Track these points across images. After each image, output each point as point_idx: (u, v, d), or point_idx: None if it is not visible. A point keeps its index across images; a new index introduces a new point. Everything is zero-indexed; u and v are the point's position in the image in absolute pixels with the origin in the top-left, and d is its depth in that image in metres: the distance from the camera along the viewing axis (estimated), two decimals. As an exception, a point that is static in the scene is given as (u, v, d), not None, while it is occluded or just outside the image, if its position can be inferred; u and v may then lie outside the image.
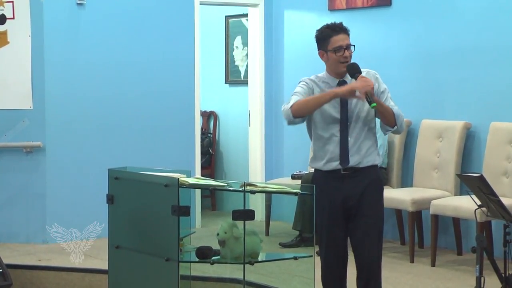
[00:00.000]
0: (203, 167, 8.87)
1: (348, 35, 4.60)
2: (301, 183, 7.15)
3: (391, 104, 4.62)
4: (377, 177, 4.69)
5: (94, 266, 6.42)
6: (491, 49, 6.95)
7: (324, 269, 4.74)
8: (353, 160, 4.61)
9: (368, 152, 4.63)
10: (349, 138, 4.61)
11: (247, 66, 9.07)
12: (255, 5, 8.69)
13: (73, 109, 7.64)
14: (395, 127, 4.61)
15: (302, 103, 4.55)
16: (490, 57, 6.96)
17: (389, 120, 4.60)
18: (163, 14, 8.07)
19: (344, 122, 4.60)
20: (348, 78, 4.62)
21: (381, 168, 7.31)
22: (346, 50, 4.56)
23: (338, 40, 4.56)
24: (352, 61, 4.61)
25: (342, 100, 4.60)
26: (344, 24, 4.66)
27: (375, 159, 4.66)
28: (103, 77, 7.77)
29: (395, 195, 6.94)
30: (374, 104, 4.46)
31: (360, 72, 4.55)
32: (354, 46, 4.60)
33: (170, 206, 4.32)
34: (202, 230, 8.02)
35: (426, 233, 7.07)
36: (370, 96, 4.45)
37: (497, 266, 4.79)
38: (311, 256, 4.64)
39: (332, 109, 4.60)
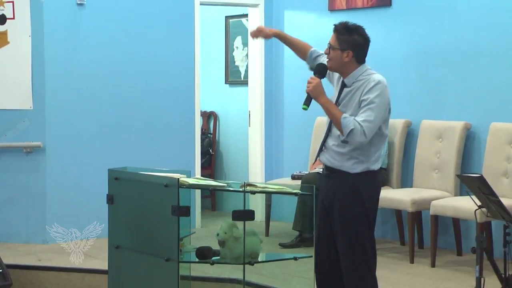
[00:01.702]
0: (203, 167, 8.87)
1: (336, 35, 4.59)
2: (301, 183, 7.14)
3: (362, 115, 4.49)
4: (352, 185, 4.54)
5: (94, 266, 6.42)
6: (491, 49, 6.95)
7: (315, 269, 4.69)
8: (325, 158, 4.63)
9: (346, 157, 4.56)
10: (329, 137, 4.64)
11: (247, 66, 9.07)
12: (255, 5, 8.69)
13: (73, 109, 7.64)
14: (343, 137, 4.53)
15: None
16: (490, 57, 6.96)
17: (338, 128, 4.55)
18: (163, 14, 8.07)
19: (330, 121, 4.65)
20: (350, 78, 4.61)
21: (381, 168, 7.31)
22: (328, 48, 4.62)
23: None
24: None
25: (336, 100, 4.64)
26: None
27: (353, 167, 4.55)
28: (103, 77, 7.77)
29: (395, 196, 6.95)
30: (305, 107, 4.57)
31: (317, 74, 4.62)
32: (330, 46, 4.60)
33: (170, 206, 4.32)
34: (202, 230, 8.02)
35: (426, 234, 7.07)
36: (309, 98, 4.58)
37: (497, 267, 4.79)
38: (311, 256, 4.64)
39: None
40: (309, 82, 4.59)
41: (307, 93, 4.57)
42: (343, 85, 4.62)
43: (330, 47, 4.59)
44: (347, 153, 4.55)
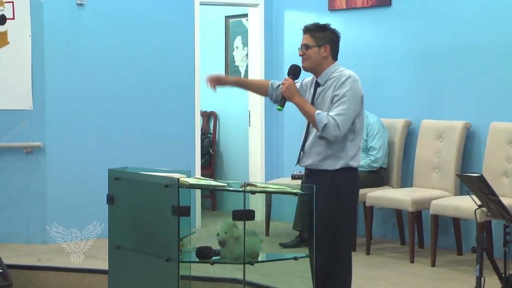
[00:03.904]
0: (203, 167, 8.87)
1: (310, 34, 4.72)
2: (301, 183, 7.14)
3: (335, 109, 4.59)
4: (331, 182, 4.61)
5: (94, 266, 6.42)
6: (491, 49, 6.95)
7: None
8: (304, 161, 4.77)
9: (323, 156, 4.66)
10: (308, 139, 4.75)
11: (247, 66, 9.07)
12: (255, 5, 8.69)
13: (73, 109, 7.64)
14: (318, 133, 4.63)
15: None
16: (490, 57, 6.96)
17: (313, 124, 4.67)
18: (163, 14, 8.07)
19: (308, 124, 4.76)
20: (323, 76, 4.72)
21: (381, 168, 7.32)
22: (303, 49, 4.74)
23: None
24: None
25: (311, 101, 4.75)
26: (325, 24, 4.80)
27: (332, 164, 4.64)
28: (103, 77, 7.77)
29: (395, 195, 6.95)
30: (279, 107, 4.76)
31: (291, 75, 4.77)
32: (305, 46, 4.71)
33: (170, 206, 4.32)
34: (202, 230, 8.02)
35: (426, 233, 7.07)
36: (283, 98, 4.73)
37: (497, 266, 4.79)
38: (311, 256, 4.64)
39: None
40: (283, 84, 4.75)
41: (281, 94, 4.74)
42: (317, 85, 4.75)
43: (306, 46, 4.72)
44: (323, 151, 4.67)
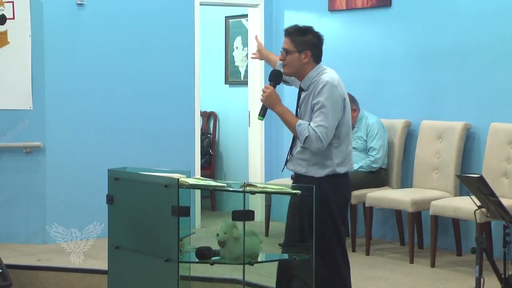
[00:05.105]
0: (203, 168, 8.88)
1: (290, 38, 4.61)
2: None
3: (315, 120, 4.50)
4: (318, 189, 4.41)
5: (94, 266, 6.43)
6: (491, 49, 6.96)
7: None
8: (290, 166, 4.69)
9: (308, 163, 4.60)
10: (296, 143, 4.66)
11: (247, 66, 9.07)
12: (255, 6, 8.69)
13: (73, 110, 7.64)
14: (301, 144, 4.55)
15: None
16: (490, 57, 6.97)
17: (295, 136, 4.59)
18: (163, 14, 8.08)
19: None
20: (306, 81, 4.63)
21: (381, 169, 7.32)
22: (283, 54, 4.63)
23: None
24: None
25: (296, 106, 4.69)
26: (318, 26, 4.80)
27: (317, 172, 4.57)
28: (103, 77, 7.77)
29: (394, 196, 6.95)
30: (260, 117, 4.69)
31: (272, 81, 4.68)
32: (285, 51, 4.61)
33: (170, 206, 4.32)
34: (202, 230, 8.02)
35: (426, 234, 7.07)
36: (264, 107, 4.64)
37: (496, 267, 4.79)
38: (311, 256, 4.64)
39: None
40: (263, 91, 4.63)
41: (262, 102, 4.63)
42: (301, 89, 4.66)
43: (286, 51, 4.60)
44: (309, 158, 4.59)
